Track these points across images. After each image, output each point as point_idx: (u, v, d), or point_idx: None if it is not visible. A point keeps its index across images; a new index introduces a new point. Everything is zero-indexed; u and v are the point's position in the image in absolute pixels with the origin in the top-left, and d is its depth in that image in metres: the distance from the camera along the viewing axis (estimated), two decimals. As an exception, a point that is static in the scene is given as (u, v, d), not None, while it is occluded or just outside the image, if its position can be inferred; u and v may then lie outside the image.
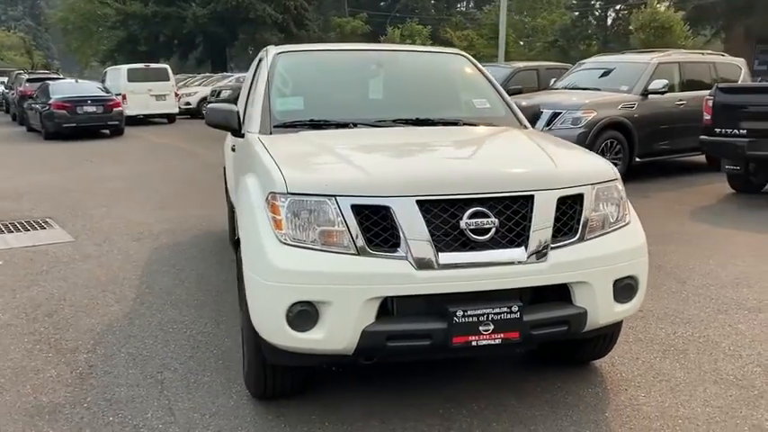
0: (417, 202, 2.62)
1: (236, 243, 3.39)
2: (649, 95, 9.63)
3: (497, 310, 2.63)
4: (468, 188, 2.69)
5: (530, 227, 2.70)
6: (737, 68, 11.68)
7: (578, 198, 2.84)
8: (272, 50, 4.19)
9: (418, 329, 2.62)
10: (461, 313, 2.60)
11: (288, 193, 2.67)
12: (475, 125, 3.84)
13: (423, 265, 2.59)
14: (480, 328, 2.63)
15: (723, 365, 3.53)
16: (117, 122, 17.61)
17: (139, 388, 3.30)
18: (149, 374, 3.45)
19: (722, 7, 28.18)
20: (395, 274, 2.58)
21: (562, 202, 2.79)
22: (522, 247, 2.69)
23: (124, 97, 20.05)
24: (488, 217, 2.66)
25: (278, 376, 2.97)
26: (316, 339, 2.61)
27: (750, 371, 3.46)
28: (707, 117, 8.42)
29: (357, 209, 2.62)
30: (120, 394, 3.24)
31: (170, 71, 22.23)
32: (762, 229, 6.73)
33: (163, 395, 3.22)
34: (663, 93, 9.59)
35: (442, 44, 36.00)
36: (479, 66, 4.36)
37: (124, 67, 22.05)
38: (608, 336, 3.28)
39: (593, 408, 3.09)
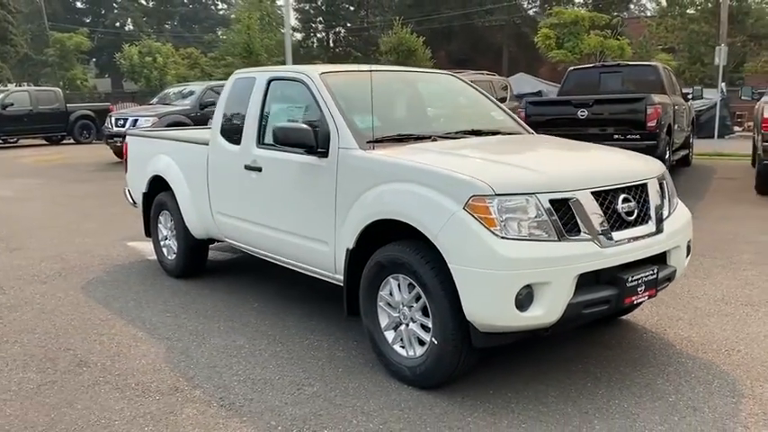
0: (592, 193, 3.25)
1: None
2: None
3: (647, 274, 3.37)
4: (619, 179, 3.41)
5: (651, 206, 3.50)
6: (507, 85, 13.98)
7: (663, 183, 3.72)
8: (312, 72, 4.33)
9: (603, 296, 3.23)
10: (630, 279, 3.28)
11: (495, 195, 3.08)
12: (512, 134, 4.52)
13: (604, 243, 3.21)
14: (638, 289, 3.34)
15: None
16: None
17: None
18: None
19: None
20: (588, 254, 3.16)
21: (659, 186, 3.65)
22: (651, 223, 3.48)
23: None
24: (631, 201, 3.40)
25: (471, 359, 3.33)
26: (536, 316, 3.07)
27: None
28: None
29: (553, 203, 3.14)
30: None
31: None
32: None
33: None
34: None
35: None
36: (473, 84, 5.04)
37: None
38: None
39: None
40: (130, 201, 6.66)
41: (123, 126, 14.44)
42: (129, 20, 59.64)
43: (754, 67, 28.72)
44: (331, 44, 45.87)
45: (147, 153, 6.04)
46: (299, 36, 43.42)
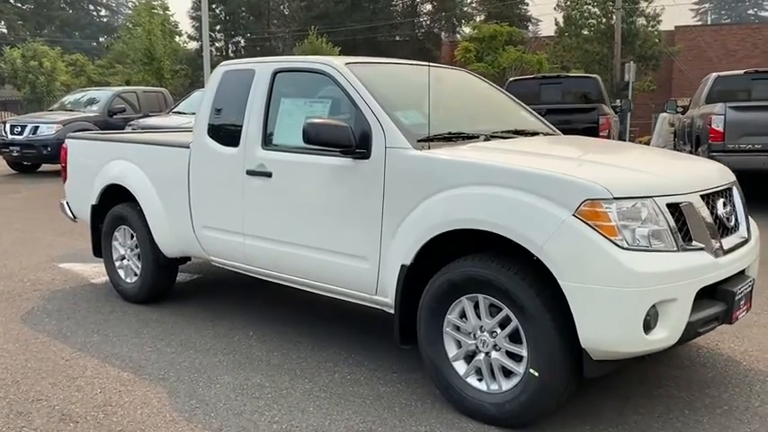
0: (701, 196, 2.90)
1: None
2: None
3: (745, 285, 3.06)
4: (716, 182, 3.09)
5: (739, 211, 3.21)
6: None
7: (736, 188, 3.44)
8: (336, 62, 3.73)
9: (715, 313, 2.87)
10: (738, 291, 2.95)
11: (614, 198, 2.65)
12: (552, 134, 4.12)
13: (716, 252, 2.86)
14: (741, 303, 3.01)
15: None
16: None
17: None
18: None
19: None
20: (706, 265, 2.79)
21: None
22: (742, 228, 3.18)
23: None
24: (727, 206, 3.08)
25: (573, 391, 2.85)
26: (660, 338, 2.66)
27: None
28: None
29: (669, 207, 2.75)
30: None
31: None
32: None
33: None
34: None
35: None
36: (489, 82, 4.62)
37: None
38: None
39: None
40: (70, 215, 5.70)
41: (21, 134, 12.95)
42: (3, 22, 55.15)
43: (640, 85, 30.53)
44: (231, 54, 44.47)
45: (98, 159, 5.15)
46: (195, 45, 41.69)
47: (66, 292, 5.27)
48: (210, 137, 4.26)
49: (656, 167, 3.22)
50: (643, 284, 2.58)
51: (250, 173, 3.94)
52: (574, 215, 2.66)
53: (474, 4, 40.64)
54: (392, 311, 3.35)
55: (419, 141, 3.31)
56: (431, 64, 4.07)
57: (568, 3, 31.48)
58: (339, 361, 3.77)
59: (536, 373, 2.77)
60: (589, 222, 2.64)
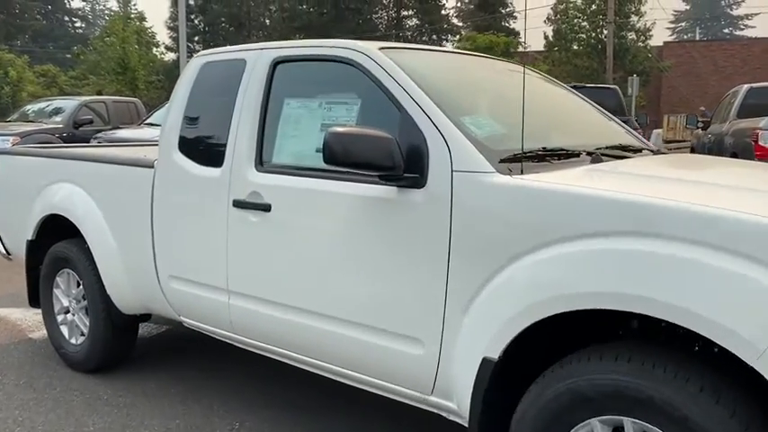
0: None
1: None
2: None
3: None
4: None
5: None
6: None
7: None
8: (366, 48, 2.57)
9: None
10: None
11: None
12: (659, 152, 2.98)
13: None
14: None
15: None
16: None
17: None
18: None
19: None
20: None
21: None
22: None
23: None
24: None
25: None
26: None
27: None
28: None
29: None
30: None
31: None
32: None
33: None
34: None
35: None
36: (553, 79, 3.47)
37: None
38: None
39: None
40: (2, 251, 4.45)
41: (-28, 147, 11.57)
42: (-28, 32, 53.34)
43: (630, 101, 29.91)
44: (209, 66, 43.17)
45: (36, 180, 3.93)
46: (173, 56, 40.37)
47: (-10, 353, 4.02)
48: (182, 153, 3.07)
49: None
50: None
51: (239, 204, 2.75)
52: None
53: (459, 17, 39.86)
54: (459, 421, 2.19)
55: (502, 162, 2.16)
56: (482, 55, 2.94)
57: (558, 16, 30.85)
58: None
59: None
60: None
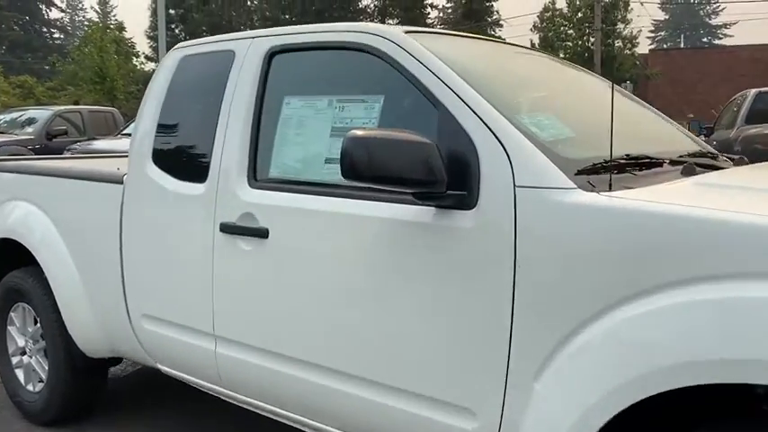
0: None
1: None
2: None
3: None
4: None
5: None
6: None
7: None
8: (391, 32, 2.03)
9: None
10: None
11: None
12: (729, 159, 2.46)
13: None
14: None
15: None
16: None
17: None
18: None
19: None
20: None
21: None
22: None
23: None
24: None
25: None
26: None
27: None
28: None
29: None
30: None
31: None
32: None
33: None
34: None
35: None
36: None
37: None
38: None
39: None
40: (-49, 280, 3.84)
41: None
42: (-53, 43, 52.38)
43: (617, 109, 29.72)
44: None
45: (-13, 198, 3.35)
46: (153, 66, 39.66)
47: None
48: (158, 166, 2.52)
49: None
50: None
51: (227, 229, 2.20)
52: None
53: (445, 25, 39.60)
54: None
55: (579, 174, 1.63)
56: (520, 45, 2.42)
57: (545, 24, 30.65)
58: None
59: None
60: None
